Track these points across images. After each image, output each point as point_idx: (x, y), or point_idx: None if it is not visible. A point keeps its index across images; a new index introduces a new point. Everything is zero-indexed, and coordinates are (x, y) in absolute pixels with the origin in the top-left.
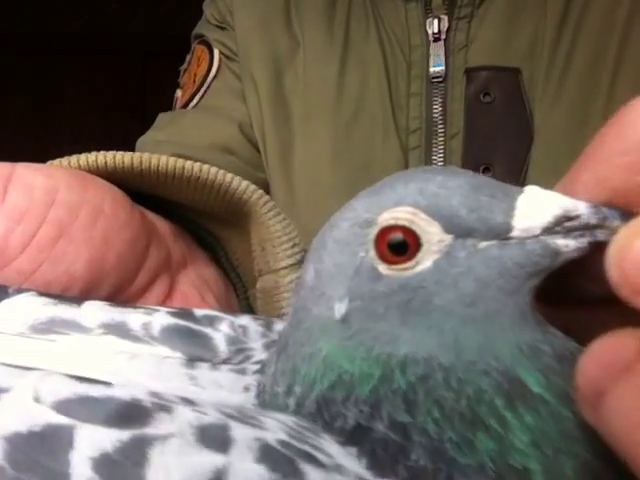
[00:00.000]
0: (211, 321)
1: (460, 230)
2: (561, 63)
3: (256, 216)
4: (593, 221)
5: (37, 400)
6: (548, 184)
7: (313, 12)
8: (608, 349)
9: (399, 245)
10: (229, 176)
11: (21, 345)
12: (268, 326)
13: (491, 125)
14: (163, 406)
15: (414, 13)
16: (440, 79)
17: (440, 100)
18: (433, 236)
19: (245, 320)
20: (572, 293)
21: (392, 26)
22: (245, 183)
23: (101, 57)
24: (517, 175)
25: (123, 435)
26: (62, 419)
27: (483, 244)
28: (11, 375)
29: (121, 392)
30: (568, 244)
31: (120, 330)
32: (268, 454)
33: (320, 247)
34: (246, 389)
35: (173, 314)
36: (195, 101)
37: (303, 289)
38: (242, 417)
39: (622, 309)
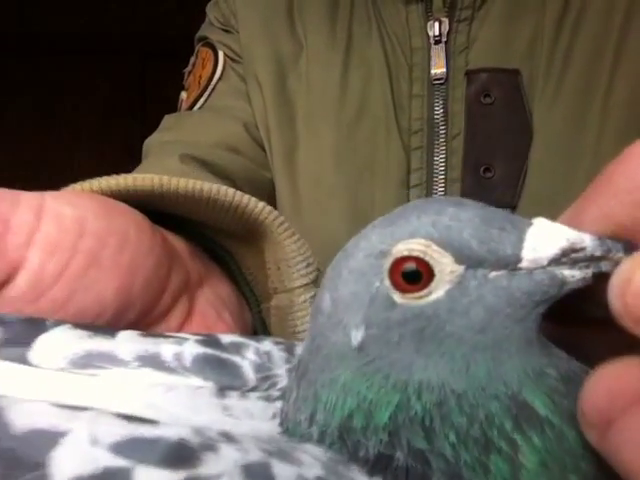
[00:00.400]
0: (238, 348)
1: (471, 261)
2: (559, 63)
3: (272, 236)
4: (598, 253)
5: (94, 443)
6: (545, 183)
7: (316, 14)
8: (616, 378)
9: (413, 274)
10: (246, 197)
11: (64, 381)
12: (290, 351)
13: (491, 126)
14: (208, 445)
15: (415, 16)
16: (441, 81)
17: (441, 102)
18: (446, 267)
19: (268, 346)
20: (578, 315)
21: (393, 28)
22: (261, 204)
23: (101, 57)
24: (517, 175)
25: (179, 476)
26: (120, 461)
27: (493, 274)
28: (64, 417)
29: (168, 431)
30: (574, 274)
31: (154, 362)
32: None
33: (336, 276)
34: (274, 416)
35: (202, 342)
36: (200, 102)
37: (320, 316)
38: (281, 453)
39: (626, 333)
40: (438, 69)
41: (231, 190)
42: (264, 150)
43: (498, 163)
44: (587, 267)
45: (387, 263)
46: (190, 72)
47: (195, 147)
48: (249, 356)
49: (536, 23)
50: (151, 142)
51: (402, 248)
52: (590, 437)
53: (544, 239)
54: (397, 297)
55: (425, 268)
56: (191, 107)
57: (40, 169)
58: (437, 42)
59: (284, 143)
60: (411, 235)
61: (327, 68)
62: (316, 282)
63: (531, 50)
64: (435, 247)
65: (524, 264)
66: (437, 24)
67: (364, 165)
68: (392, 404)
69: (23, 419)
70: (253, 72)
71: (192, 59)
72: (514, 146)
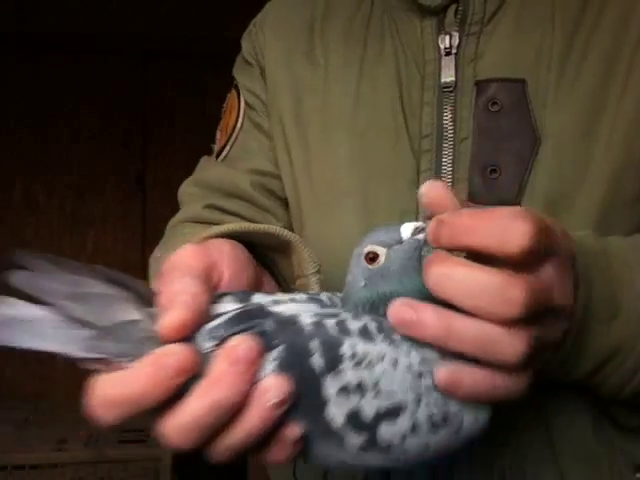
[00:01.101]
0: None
1: (388, 246)
2: (571, 75)
3: (296, 248)
4: (424, 226)
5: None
6: (553, 186)
7: (335, 34)
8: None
9: (373, 257)
10: (287, 232)
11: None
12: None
13: (498, 130)
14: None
15: (429, 30)
16: (450, 89)
17: (450, 108)
18: (382, 252)
19: (325, 295)
20: None
21: (408, 42)
22: (296, 236)
23: (101, 57)
24: (521, 175)
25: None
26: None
27: (396, 247)
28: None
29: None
30: (421, 236)
31: (303, 299)
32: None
33: (352, 263)
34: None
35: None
36: (224, 153)
37: (347, 282)
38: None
39: None
40: (447, 78)
41: (280, 228)
42: (272, 196)
43: (503, 165)
44: (422, 232)
45: (364, 255)
46: (224, 112)
47: (215, 197)
48: (323, 298)
49: (543, 35)
50: (184, 190)
51: (368, 248)
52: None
53: (406, 228)
54: (370, 267)
55: (375, 255)
56: (219, 154)
57: (40, 168)
58: (447, 53)
59: (303, 154)
60: (371, 243)
61: (343, 83)
62: (319, 271)
63: (538, 61)
64: (379, 247)
65: (404, 239)
66: (447, 37)
67: (374, 169)
68: (372, 298)
69: (308, 320)
70: (275, 101)
71: (227, 98)
72: (519, 149)
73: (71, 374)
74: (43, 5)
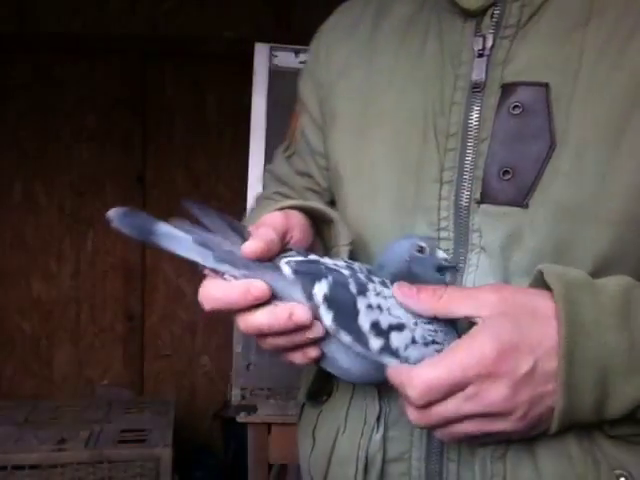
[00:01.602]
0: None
1: (431, 249)
2: (600, 82)
3: (337, 223)
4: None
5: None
6: (570, 193)
7: (390, 36)
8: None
9: (420, 250)
10: (330, 211)
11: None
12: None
13: (516, 133)
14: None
15: (468, 31)
16: (479, 90)
17: (477, 108)
18: (426, 251)
19: (357, 265)
20: None
21: (449, 42)
22: (336, 215)
23: (101, 57)
24: (532, 179)
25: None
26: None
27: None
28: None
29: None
30: (442, 260)
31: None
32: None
33: (398, 246)
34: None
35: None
36: (287, 153)
37: (386, 258)
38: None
39: None
40: (478, 79)
41: (328, 209)
42: (311, 193)
43: (517, 167)
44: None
45: (417, 245)
46: (293, 113)
47: (280, 186)
48: (355, 265)
49: (574, 42)
50: (265, 175)
51: (421, 243)
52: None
53: (441, 253)
54: (416, 254)
55: (422, 249)
56: (286, 149)
57: (40, 168)
58: (480, 55)
59: (352, 154)
60: (422, 240)
61: (387, 80)
62: (350, 244)
63: (566, 67)
64: (425, 245)
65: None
66: (481, 39)
67: (405, 165)
68: (404, 271)
69: (346, 272)
70: (331, 106)
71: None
72: (534, 153)
73: (71, 374)
74: (43, 5)
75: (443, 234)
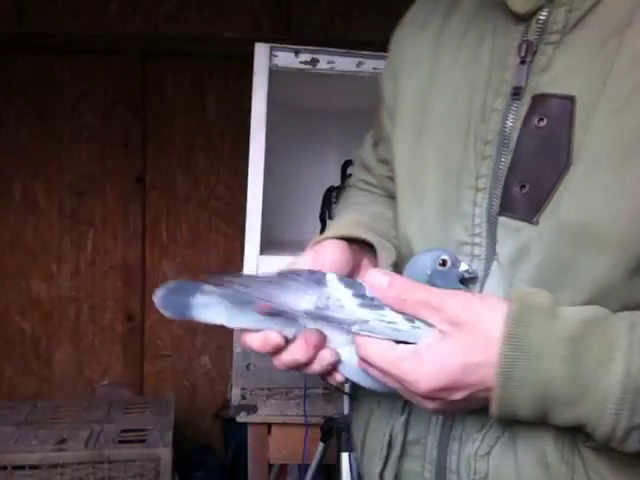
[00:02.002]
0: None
1: (453, 263)
2: (621, 99)
3: (377, 250)
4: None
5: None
6: (579, 213)
7: (453, 37)
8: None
9: (443, 263)
10: (370, 237)
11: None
12: None
13: (537, 147)
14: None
15: (516, 36)
16: (518, 97)
17: (512, 117)
18: (449, 264)
19: None
20: None
21: (500, 46)
22: (375, 241)
23: (101, 57)
24: (544, 196)
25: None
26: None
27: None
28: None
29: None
30: (464, 273)
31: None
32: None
33: (424, 258)
34: None
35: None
36: (372, 140)
37: (412, 266)
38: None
39: None
40: (517, 86)
41: (364, 234)
42: (387, 180)
43: (532, 182)
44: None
45: (441, 258)
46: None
47: (365, 174)
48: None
49: (605, 54)
50: (354, 161)
51: (445, 256)
52: None
53: (464, 266)
54: (439, 267)
55: (445, 262)
56: (373, 135)
57: (40, 168)
58: (522, 62)
59: (407, 159)
60: (447, 254)
61: (443, 87)
62: (392, 264)
63: (591, 80)
64: (449, 258)
65: (460, 266)
66: (525, 45)
67: (449, 171)
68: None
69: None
70: (397, 101)
71: None
72: (550, 170)
73: (71, 374)
74: (43, 5)
75: (477, 240)
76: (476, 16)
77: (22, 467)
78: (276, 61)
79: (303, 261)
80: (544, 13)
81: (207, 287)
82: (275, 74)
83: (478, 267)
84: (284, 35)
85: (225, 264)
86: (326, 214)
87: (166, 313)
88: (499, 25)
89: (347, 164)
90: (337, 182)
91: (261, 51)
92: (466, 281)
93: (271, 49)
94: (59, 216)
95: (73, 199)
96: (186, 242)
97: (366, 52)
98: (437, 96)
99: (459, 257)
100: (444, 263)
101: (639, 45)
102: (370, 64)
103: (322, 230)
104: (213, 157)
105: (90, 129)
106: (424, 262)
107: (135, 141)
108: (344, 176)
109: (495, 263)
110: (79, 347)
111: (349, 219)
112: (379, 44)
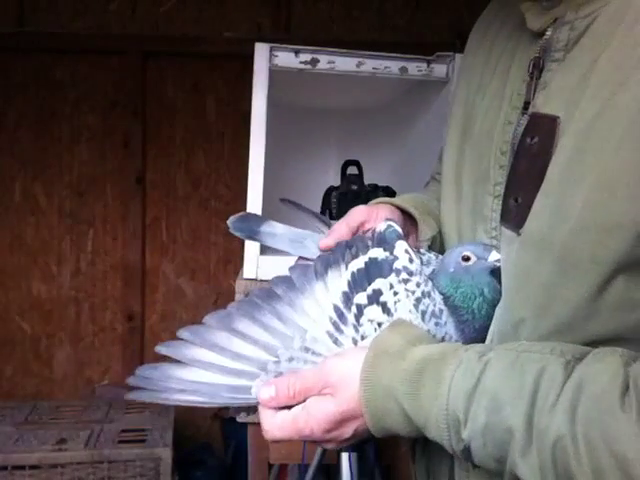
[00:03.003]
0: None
1: (478, 257)
2: (593, 117)
3: (419, 224)
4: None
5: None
6: (540, 225)
7: (498, 49)
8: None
9: (467, 258)
10: (416, 212)
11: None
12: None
13: (527, 164)
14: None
15: (532, 52)
16: (526, 112)
17: (520, 131)
18: (473, 259)
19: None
20: None
21: (519, 60)
22: (419, 216)
23: (101, 57)
24: (526, 210)
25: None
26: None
27: (481, 261)
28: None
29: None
30: (495, 262)
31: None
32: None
33: (451, 254)
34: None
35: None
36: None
37: (443, 261)
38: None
39: None
40: (527, 101)
41: (410, 207)
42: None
43: (522, 196)
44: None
45: (463, 254)
46: None
47: (438, 168)
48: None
49: (590, 71)
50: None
51: (468, 252)
52: None
53: (494, 255)
54: (462, 263)
55: (469, 257)
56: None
57: (40, 168)
58: (531, 77)
59: (451, 165)
60: (470, 249)
61: (475, 89)
62: (430, 239)
63: (571, 100)
64: (472, 254)
65: (487, 259)
66: (533, 62)
67: (467, 173)
68: (452, 281)
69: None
70: (453, 105)
71: None
72: (532, 186)
73: (71, 374)
74: (43, 5)
75: (494, 242)
76: (515, 29)
77: (22, 467)
78: (276, 61)
79: (358, 212)
80: (549, 31)
81: (272, 222)
82: (275, 74)
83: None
84: (284, 35)
85: (225, 264)
86: (326, 214)
87: (238, 234)
88: (525, 41)
89: (347, 164)
90: (337, 182)
91: (261, 51)
92: (496, 271)
93: (271, 49)
94: (59, 216)
95: (73, 199)
96: (186, 242)
97: (366, 52)
98: (479, 104)
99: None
100: (467, 259)
101: (610, 65)
102: (370, 64)
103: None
104: (213, 157)
105: (90, 129)
106: (450, 257)
107: (135, 141)
108: (344, 176)
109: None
110: (79, 347)
111: (407, 197)
112: (379, 44)
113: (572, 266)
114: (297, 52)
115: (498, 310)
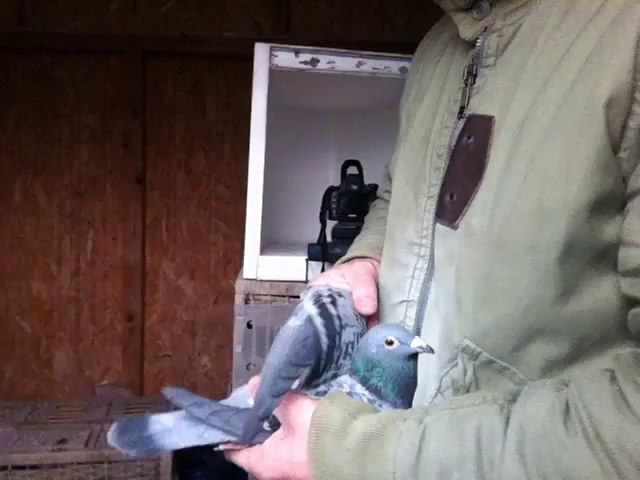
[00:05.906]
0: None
1: (401, 343)
2: (517, 121)
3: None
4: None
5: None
6: (484, 221)
7: (436, 58)
8: None
9: (390, 342)
10: (375, 259)
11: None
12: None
13: (463, 163)
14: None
15: (467, 59)
16: (462, 116)
17: (457, 133)
18: (396, 344)
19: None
20: None
21: (455, 68)
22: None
23: (101, 57)
24: (462, 206)
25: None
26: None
27: (402, 347)
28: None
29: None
30: (418, 349)
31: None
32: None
33: (374, 336)
34: None
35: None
36: (395, 154)
37: (363, 342)
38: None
39: None
40: (462, 106)
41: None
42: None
43: (457, 193)
44: (423, 349)
45: (387, 339)
46: None
47: (387, 185)
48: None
49: (515, 77)
50: (385, 169)
51: (392, 337)
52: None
53: (416, 342)
54: (386, 347)
55: (392, 342)
56: (396, 147)
57: (40, 168)
58: (465, 84)
59: (394, 167)
60: (394, 334)
61: (419, 105)
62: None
63: (505, 101)
64: (395, 339)
65: (410, 345)
66: (467, 68)
67: (411, 179)
68: (370, 362)
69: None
70: (400, 117)
71: None
72: (469, 183)
73: (71, 374)
74: (43, 5)
75: (423, 241)
76: (451, 39)
77: (22, 467)
78: (276, 61)
79: (333, 277)
80: (480, 40)
81: (154, 417)
82: (275, 74)
83: (423, 265)
84: (284, 35)
85: (225, 264)
86: (326, 214)
87: (126, 453)
88: (458, 50)
89: (347, 164)
90: (337, 182)
91: (261, 51)
92: (415, 357)
93: (271, 49)
94: (59, 216)
95: (73, 199)
96: (186, 242)
97: (366, 52)
98: (416, 113)
99: (407, 332)
100: (390, 343)
101: (536, 67)
102: (370, 64)
103: (322, 230)
104: (213, 157)
105: (90, 129)
106: (372, 339)
107: (135, 141)
108: (344, 176)
109: (436, 266)
110: (79, 347)
111: (366, 243)
112: (379, 44)
113: (511, 255)
114: (297, 52)
115: (444, 313)
